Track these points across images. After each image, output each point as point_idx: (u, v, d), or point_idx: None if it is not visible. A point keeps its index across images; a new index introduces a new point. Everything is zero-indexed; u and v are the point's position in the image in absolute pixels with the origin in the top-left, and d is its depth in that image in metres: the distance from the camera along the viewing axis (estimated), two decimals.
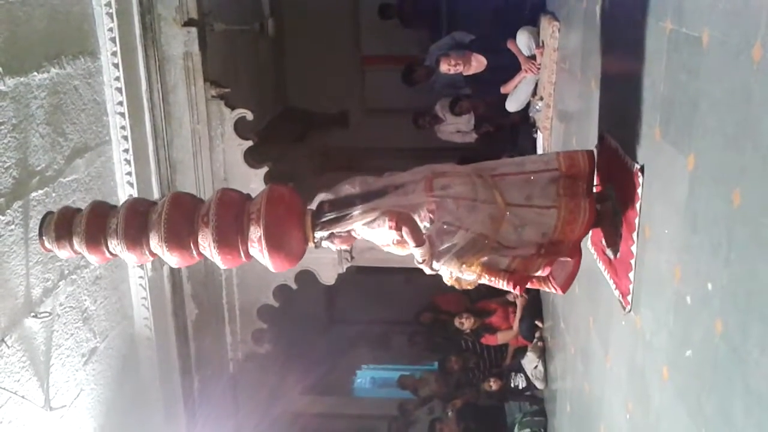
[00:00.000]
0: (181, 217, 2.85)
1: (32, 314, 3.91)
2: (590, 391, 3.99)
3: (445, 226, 2.85)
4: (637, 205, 2.79)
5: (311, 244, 2.94)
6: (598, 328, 3.69)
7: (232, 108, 5.31)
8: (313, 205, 2.98)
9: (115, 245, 2.88)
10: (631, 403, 3.03)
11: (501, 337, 6.70)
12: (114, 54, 4.66)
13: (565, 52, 4.70)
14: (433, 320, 8.05)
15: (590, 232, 3.16)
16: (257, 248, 2.83)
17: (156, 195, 5.10)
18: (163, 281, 5.40)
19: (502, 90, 5.80)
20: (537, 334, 6.25)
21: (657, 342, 2.64)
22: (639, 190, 2.78)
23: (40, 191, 3.99)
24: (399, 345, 9.06)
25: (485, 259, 2.86)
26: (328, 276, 5.73)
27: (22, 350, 3.83)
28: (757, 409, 1.82)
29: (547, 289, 3.16)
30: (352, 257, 5.60)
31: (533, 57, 5.37)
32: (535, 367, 6.11)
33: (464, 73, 5.85)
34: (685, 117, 2.34)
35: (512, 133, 6.71)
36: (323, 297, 9.20)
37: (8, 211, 3.69)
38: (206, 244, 2.83)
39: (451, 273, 2.91)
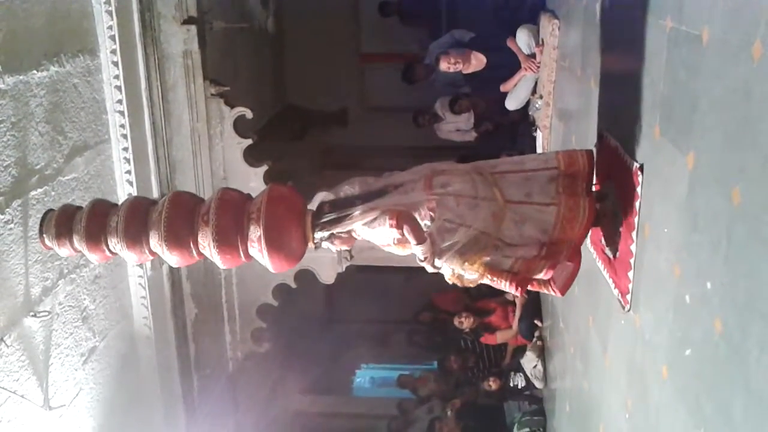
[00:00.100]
0: (181, 217, 2.85)
1: (31, 313, 3.90)
2: (589, 391, 3.99)
3: (446, 224, 2.84)
4: (637, 204, 2.79)
5: (311, 245, 2.94)
6: (598, 328, 3.69)
7: (232, 106, 5.31)
8: (313, 206, 2.97)
9: (115, 244, 2.88)
10: (630, 402, 3.03)
11: (500, 337, 6.71)
12: (113, 52, 4.65)
13: (565, 51, 4.70)
14: (432, 319, 8.06)
15: (590, 232, 3.16)
16: (257, 248, 2.82)
17: (155, 193, 5.10)
18: (163, 280, 5.40)
19: (502, 88, 5.80)
20: (536, 334, 6.25)
21: (656, 341, 2.64)
22: (638, 189, 2.78)
23: (40, 190, 3.98)
24: (398, 344, 9.07)
25: (488, 259, 2.86)
26: (327, 275, 5.73)
27: (21, 349, 3.83)
28: (756, 408, 1.82)
29: (546, 292, 3.16)
30: (351, 256, 5.54)
31: (533, 55, 5.37)
32: (535, 366, 6.11)
33: (464, 72, 5.85)
34: (684, 115, 2.34)
35: (512, 132, 6.71)
36: (323, 296, 9.19)
37: (7, 209, 3.69)
38: (206, 244, 2.83)
39: (453, 270, 2.90)
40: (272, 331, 6.17)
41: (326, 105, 8.71)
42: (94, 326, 4.64)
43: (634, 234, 2.83)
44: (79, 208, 3.02)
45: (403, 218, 2.77)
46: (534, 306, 6.25)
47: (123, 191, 4.89)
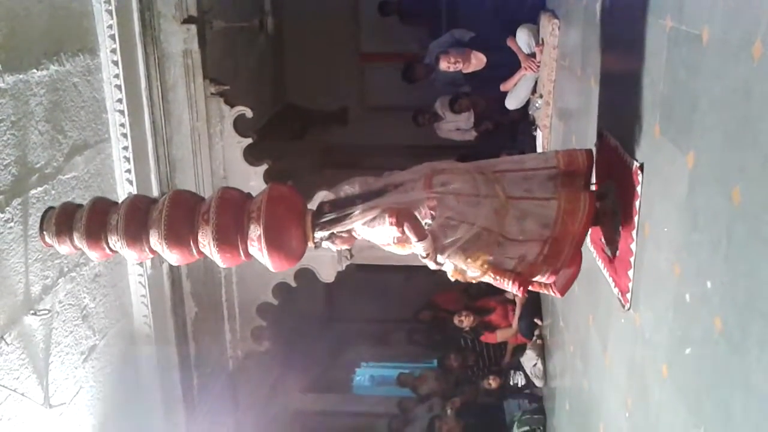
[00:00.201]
0: (181, 215, 2.85)
1: (31, 312, 3.91)
2: (589, 389, 3.99)
3: (448, 221, 2.85)
4: (637, 203, 2.79)
5: (311, 245, 2.94)
6: (598, 326, 3.69)
7: (232, 105, 5.31)
8: (314, 206, 2.98)
9: (115, 242, 2.88)
10: (630, 401, 3.04)
11: (500, 335, 6.71)
12: (113, 51, 4.65)
13: (565, 50, 4.70)
14: (432, 318, 8.07)
15: (590, 231, 3.17)
16: (257, 247, 2.82)
17: (155, 192, 5.10)
18: (163, 279, 5.40)
19: (502, 88, 5.80)
20: (536, 332, 6.26)
21: (656, 340, 2.65)
22: (638, 188, 2.78)
23: (40, 189, 3.98)
24: (398, 343, 9.08)
25: (491, 258, 2.86)
26: (327, 274, 5.73)
27: (22, 348, 3.83)
28: (756, 407, 1.82)
29: (546, 292, 3.16)
30: (351, 255, 5.59)
31: (533, 55, 5.37)
32: (534, 365, 6.12)
33: (464, 71, 5.86)
34: (684, 115, 2.34)
35: (512, 131, 6.71)
36: (323, 295, 9.20)
37: (7, 208, 3.69)
38: (206, 243, 2.84)
39: (456, 266, 2.91)
40: (272, 329, 6.18)
41: (326, 104, 8.71)
42: (94, 324, 4.65)
43: (634, 233, 2.83)
44: (80, 206, 3.02)
45: (403, 216, 2.77)
46: (534, 305, 6.25)
47: (123, 190, 4.89)
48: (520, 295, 3.00)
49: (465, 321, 6.74)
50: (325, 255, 5.48)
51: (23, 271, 3.84)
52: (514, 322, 6.51)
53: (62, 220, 2.94)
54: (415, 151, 6.86)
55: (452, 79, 6.32)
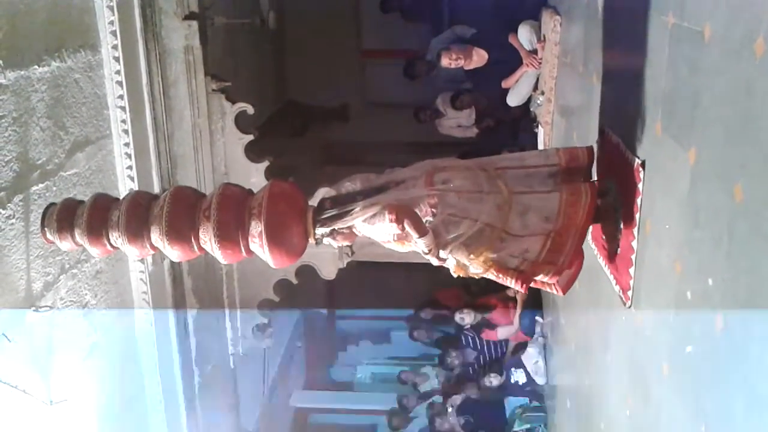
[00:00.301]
0: (182, 212, 2.85)
1: (33, 308, 3.91)
2: (590, 387, 3.99)
3: (450, 218, 2.84)
4: (638, 200, 2.79)
5: (312, 241, 2.94)
6: (599, 324, 3.69)
7: (233, 102, 5.31)
8: (314, 202, 2.98)
9: (116, 238, 2.88)
10: (631, 398, 3.04)
11: (501, 333, 6.72)
12: (115, 47, 4.65)
13: (567, 47, 4.69)
14: (433, 315, 8.07)
15: (591, 228, 3.17)
16: (258, 243, 2.83)
17: (157, 189, 5.10)
18: (164, 276, 5.41)
19: (504, 84, 5.80)
20: (537, 330, 6.26)
21: (657, 337, 2.64)
22: (640, 185, 2.78)
23: (41, 185, 3.98)
24: (399, 340, 9.08)
25: (494, 256, 2.86)
26: (328, 271, 5.73)
27: (23, 344, 3.83)
28: (757, 405, 1.82)
29: (548, 290, 3.17)
30: (352, 252, 5.60)
31: (534, 51, 5.36)
32: (536, 362, 6.12)
33: (465, 68, 5.85)
34: (686, 111, 2.34)
35: (513, 128, 6.70)
36: (324, 292, 9.21)
37: (9, 204, 3.69)
38: (207, 239, 2.84)
39: (458, 261, 2.91)
40: (273, 326, 6.18)
41: (327, 101, 8.70)
42: (96, 321, 4.65)
43: (635, 230, 2.83)
44: (81, 202, 3.02)
45: (403, 213, 2.76)
46: (535, 302, 6.25)
47: (124, 186, 4.89)
48: (522, 291, 3.00)
49: (466, 318, 6.74)
50: (326, 252, 5.48)
51: (25, 267, 3.84)
52: (516, 320, 6.51)
53: (63, 217, 2.94)
54: (416, 148, 6.86)
55: (454, 75, 6.31)
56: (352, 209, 2.85)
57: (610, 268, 3.22)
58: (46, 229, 2.96)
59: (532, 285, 3.08)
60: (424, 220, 2.83)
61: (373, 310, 9.27)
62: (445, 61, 5.75)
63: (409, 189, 2.91)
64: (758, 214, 1.82)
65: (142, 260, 4.99)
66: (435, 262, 2.96)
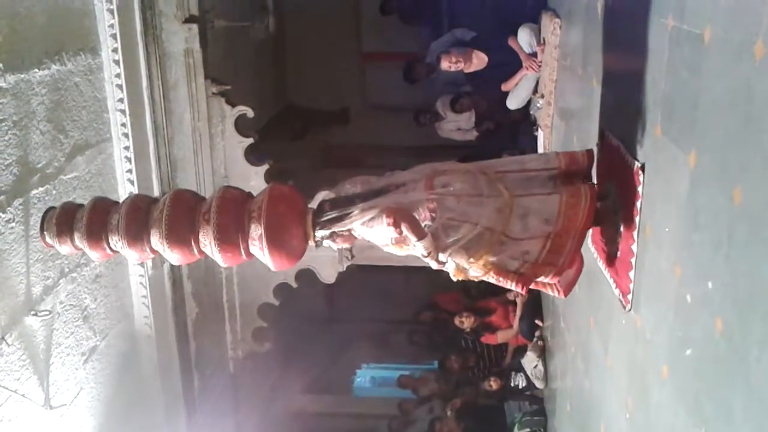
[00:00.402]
0: (182, 215, 2.85)
1: (32, 312, 3.90)
2: (590, 390, 3.99)
3: (450, 222, 2.84)
4: (638, 204, 2.79)
5: (312, 243, 2.94)
6: (598, 327, 3.69)
7: (233, 105, 5.31)
8: (315, 204, 2.98)
9: (116, 242, 2.88)
10: (631, 401, 3.03)
11: (501, 336, 6.71)
12: (115, 51, 4.65)
13: (567, 50, 4.69)
14: (433, 319, 8.06)
15: (591, 230, 3.16)
16: (258, 246, 2.82)
17: (156, 192, 5.10)
18: (164, 279, 5.40)
19: (503, 87, 5.80)
20: (537, 333, 6.25)
21: (657, 340, 2.64)
22: (640, 189, 2.77)
23: (41, 189, 3.98)
24: (399, 344, 9.06)
25: (494, 259, 2.85)
26: (328, 274, 5.73)
27: (22, 348, 3.83)
28: (757, 408, 1.82)
29: (549, 292, 3.16)
30: (352, 256, 5.60)
31: (534, 54, 5.36)
32: (535, 366, 6.11)
33: (465, 71, 5.85)
34: (686, 114, 2.34)
35: (513, 131, 6.70)
36: (323, 296, 9.20)
37: (9, 208, 3.69)
38: (207, 242, 2.83)
39: (458, 264, 2.90)
40: (273, 330, 6.17)
41: (327, 104, 8.71)
42: (95, 325, 4.65)
43: (635, 233, 2.82)
44: (80, 206, 3.02)
45: (400, 216, 2.76)
46: (535, 305, 6.25)
47: (124, 190, 4.89)
48: (522, 293, 2.99)
49: (466, 322, 6.73)
50: (326, 255, 5.47)
51: (24, 271, 3.84)
52: (515, 323, 6.50)
53: (63, 220, 2.93)
54: (416, 151, 6.86)
55: (453, 78, 6.32)
56: (351, 212, 2.85)
57: (609, 272, 3.21)
58: (45, 233, 2.95)
59: (533, 287, 3.07)
60: (422, 224, 2.83)
61: (373, 314, 9.25)
62: (444, 65, 5.76)
63: (408, 192, 2.91)
64: (758, 217, 1.81)
65: (141, 264, 4.99)
66: (434, 265, 2.95)
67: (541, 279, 2.96)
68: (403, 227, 2.75)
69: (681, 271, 2.36)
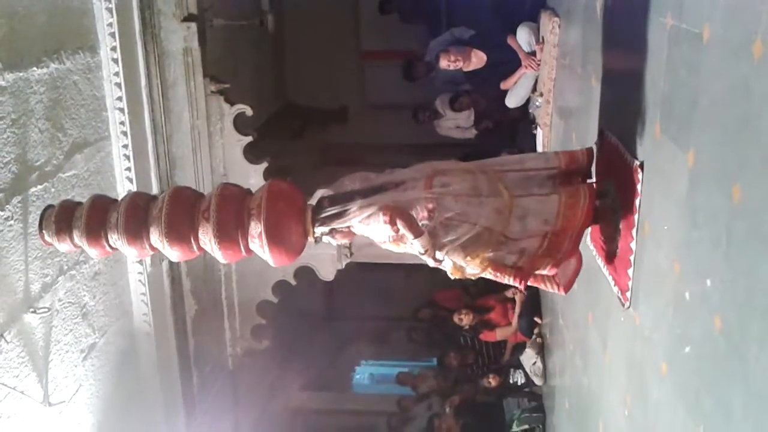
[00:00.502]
0: (181, 212, 2.85)
1: (31, 310, 3.91)
2: (589, 387, 3.99)
3: (448, 221, 2.84)
4: (637, 202, 2.79)
5: (311, 239, 2.95)
6: (597, 325, 3.69)
7: (232, 103, 5.31)
8: (314, 201, 2.98)
9: (115, 239, 2.88)
10: (629, 399, 3.04)
11: (500, 334, 6.71)
12: (113, 49, 4.65)
13: (565, 48, 4.70)
14: (432, 316, 8.06)
15: (590, 229, 3.17)
16: (257, 243, 2.83)
17: (155, 190, 5.10)
18: (163, 277, 5.40)
19: (502, 86, 5.80)
20: (536, 331, 6.26)
21: (656, 338, 2.65)
22: (639, 187, 2.78)
23: (40, 187, 3.98)
24: (398, 341, 9.07)
25: (491, 255, 2.86)
26: (327, 272, 5.73)
27: (21, 346, 3.83)
28: (755, 405, 1.83)
29: (549, 289, 3.16)
30: (351, 253, 5.60)
31: (533, 53, 5.36)
32: (534, 363, 6.12)
33: (464, 69, 5.85)
34: (685, 113, 2.34)
35: (512, 129, 6.71)
36: (322, 293, 9.20)
37: (7, 206, 3.69)
38: (207, 239, 2.84)
39: (455, 263, 2.91)
40: (272, 327, 6.18)
41: (326, 102, 8.71)
42: (94, 323, 4.65)
43: (634, 231, 2.83)
44: (79, 203, 3.02)
45: (397, 214, 2.77)
46: (533, 303, 6.25)
47: (123, 188, 4.89)
48: (521, 288, 3.00)
49: (464, 319, 6.74)
50: (325, 253, 5.48)
51: (23, 269, 3.84)
52: (514, 321, 6.50)
53: (62, 218, 2.93)
54: (415, 149, 6.87)
55: (452, 77, 6.32)
56: (350, 208, 2.86)
57: (608, 269, 3.22)
58: (44, 230, 2.95)
59: (532, 284, 3.08)
60: (420, 223, 2.83)
61: (372, 311, 9.26)
62: (444, 63, 5.75)
63: (407, 191, 2.91)
64: (756, 214, 1.82)
65: (140, 261, 4.99)
66: (431, 263, 2.96)
67: (539, 271, 2.97)
68: (400, 225, 2.75)
69: (680, 269, 2.36)
